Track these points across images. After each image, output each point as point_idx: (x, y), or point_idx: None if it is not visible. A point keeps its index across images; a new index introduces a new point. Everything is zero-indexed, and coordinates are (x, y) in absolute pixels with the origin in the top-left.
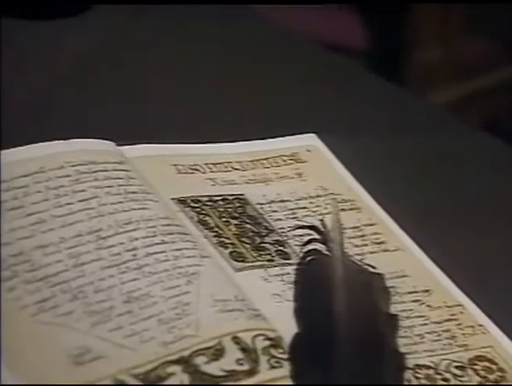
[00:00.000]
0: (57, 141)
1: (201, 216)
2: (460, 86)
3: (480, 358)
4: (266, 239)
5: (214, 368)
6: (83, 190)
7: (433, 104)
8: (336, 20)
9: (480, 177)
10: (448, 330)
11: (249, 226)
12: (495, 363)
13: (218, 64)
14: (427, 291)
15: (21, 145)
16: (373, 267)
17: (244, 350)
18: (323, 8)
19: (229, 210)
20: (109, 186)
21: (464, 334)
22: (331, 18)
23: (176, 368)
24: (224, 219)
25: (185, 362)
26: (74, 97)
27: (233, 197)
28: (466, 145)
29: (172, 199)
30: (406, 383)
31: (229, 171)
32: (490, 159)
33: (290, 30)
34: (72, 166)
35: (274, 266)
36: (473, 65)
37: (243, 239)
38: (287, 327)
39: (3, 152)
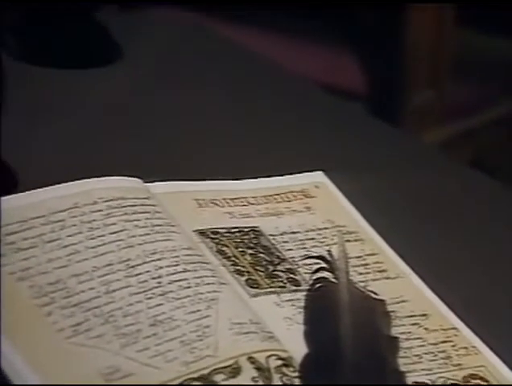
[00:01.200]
0: (91, 179)
1: (220, 247)
2: (450, 126)
3: (473, 376)
4: (279, 267)
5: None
6: (113, 224)
7: (426, 143)
8: (337, 64)
9: (473, 209)
10: (443, 351)
11: (263, 255)
12: (487, 381)
13: (230, 107)
14: (424, 315)
15: (58, 183)
16: (376, 293)
17: (258, 369)
18: (324, 53)
19: (245, 241)
20: (137, 220)
21: (458, 354)
22: (332, 62)
23: (197, 385)
24: (240, 249)
25: (205, 379)
26: (106, 139)
27: (249, 229)
28: (457, 181)
29: (194, 230)
30: None
31: (245, 205)
32: (478, 193)
33: (293, 73)
34: (104, 201)
35: (286, 292)
36: (461, 107)
37: (258, 267)
38: (298, 348)
39: (42, 189)
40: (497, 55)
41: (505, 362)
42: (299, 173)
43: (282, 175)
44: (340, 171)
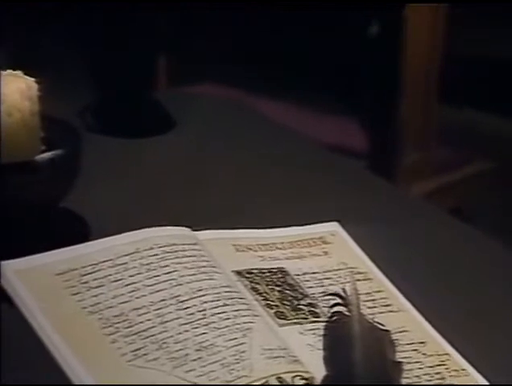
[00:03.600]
0: (149, 229)
1: (253, 284)
2: (434, 181)
3: None
4: (302, 302)
5: None
6: (167, 266)
7: (415, 194)
8: (345, 131)
9: (457, 250)
10: (439, 373)
11: (288, 292)
12: None
13: (258, 170)
14: (422, 343)
15: (122, 232)
16: (382, 324)
17: None
18: (336, 122)
19: (274, 279)
20: (186, 262)
21: (451, 376)
22: (342, 129)
23: None
24: (270, 287)
25: None
26: (162, 195)
27: (277, 270)
28: (443, 227)
29: (232, 271)
30: None
31: (274, 250)
32: (462, 238)
33: (310, 138)
34: (160, 247)
35: (308, 323)
36: (443, 166)
37: (284, 302)
38: (318, 370)
39: (110, 237)
40: (471, 125)
41: (490, 382)
42: (318, 223)
43: (303, 225)
44: (351, 222)
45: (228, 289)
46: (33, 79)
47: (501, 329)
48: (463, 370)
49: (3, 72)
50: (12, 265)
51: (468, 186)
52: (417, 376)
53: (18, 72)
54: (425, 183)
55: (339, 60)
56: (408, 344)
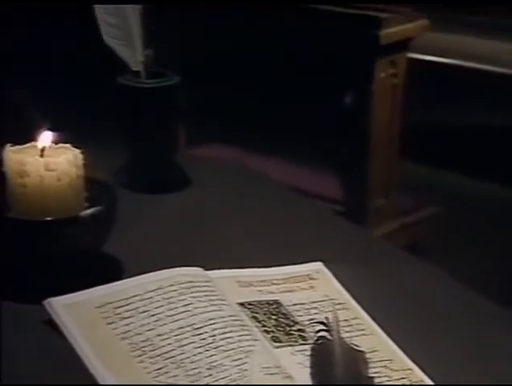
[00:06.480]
0: (170, 269)
1: (253, 314)
2: (394, 222)
3: None
4: (293, 328)
5: None
6: (184, 299)
7: (378, 234)
8: (322, 180)
9: (418, 285)
10: (403, 385)
11: (282, 320)
12: None
13: (252, 220)
14: (390, 360)
15: (148, 271)
16: (357, 345)
17: None
18: (316, 174)
19: (270, 309)
20: (200, 296)
21: None
22: (319, 179)
23: None
24: (267, 316)
25: None
26: (182, 241)
27: (272, 302)
28: (408, 265)
29: (236, 303)
30: None
31: (270, 285)
32: (421, 273)
33: (287, 187)
34: (178, 284)
35: (298, 345)
36: (403, 210)
37: (279, 328)
38: (307, 384)
39: (138, 277)
40: (425, 177)
41: None
42: (305, 263)
43: (293, 264)
44: (332, 260)
45: (233, 318)
46: (78, 150)
47: (456, 348)
48: (421, 381)
49: (55, 146)
50: (60, 301)
51: (422, 227)
52: None
53: (67, 145)
54: (387, 224)
55: (321, 124)
56: (379, 361)
